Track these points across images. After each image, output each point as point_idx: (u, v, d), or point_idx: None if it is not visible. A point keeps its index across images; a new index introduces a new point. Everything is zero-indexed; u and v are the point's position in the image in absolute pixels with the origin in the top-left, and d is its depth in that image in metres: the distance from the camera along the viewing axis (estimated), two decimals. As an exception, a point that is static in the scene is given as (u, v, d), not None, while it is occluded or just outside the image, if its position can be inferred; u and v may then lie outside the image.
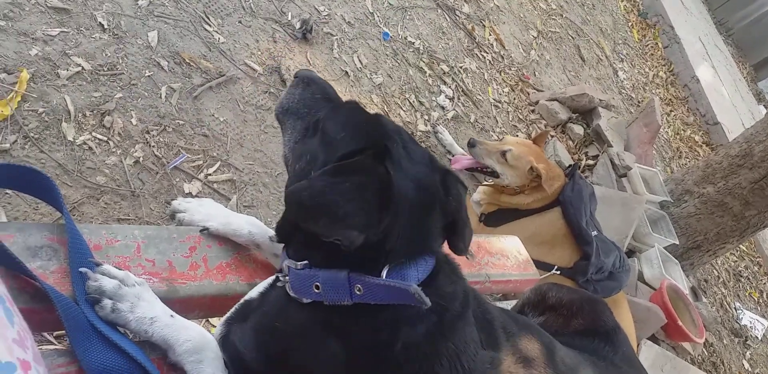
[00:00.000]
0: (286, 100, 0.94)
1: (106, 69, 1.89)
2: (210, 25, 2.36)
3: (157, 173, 1.79)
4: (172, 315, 0.84)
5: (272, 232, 1.05)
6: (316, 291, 0.77)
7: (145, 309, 0.82)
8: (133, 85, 1.93)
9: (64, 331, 0.78)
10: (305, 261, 0.80)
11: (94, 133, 1.71)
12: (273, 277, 0.89)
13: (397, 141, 0.81)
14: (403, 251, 0.78)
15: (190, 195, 1.79)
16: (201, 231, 1.03)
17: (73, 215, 1.52)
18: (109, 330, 0.80)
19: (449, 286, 0.84)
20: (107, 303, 0.80)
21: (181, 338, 0.82)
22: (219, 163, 1.99)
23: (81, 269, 0.82)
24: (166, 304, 0.86)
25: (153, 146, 1.82)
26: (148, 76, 1.99)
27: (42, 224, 0.87)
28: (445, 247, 0.92)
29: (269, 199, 2.06)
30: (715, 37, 7.96)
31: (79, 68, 1.82)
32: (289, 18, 2.71)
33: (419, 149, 0.85)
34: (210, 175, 1.93)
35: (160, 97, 1.97)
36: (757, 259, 4.98)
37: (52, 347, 1.42)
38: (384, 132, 0.82)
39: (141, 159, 1.77)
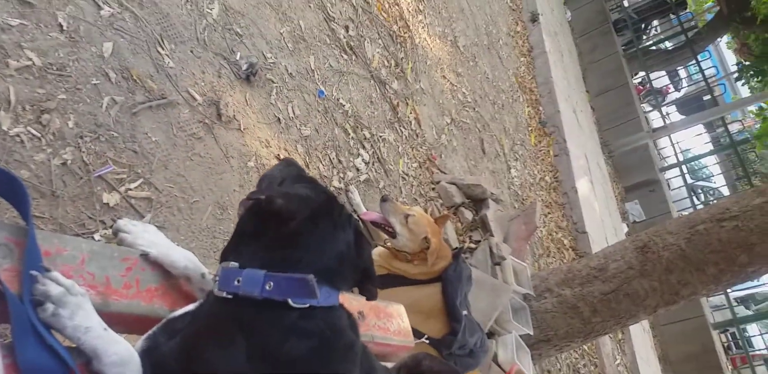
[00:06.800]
0: (268, 172, 1.21)
1: (55, 68, 1.90)
2: (163, 49, 2.42)
3: (81, 178, 1.80)
4: (105, 328, 0.92)
5: (205, 270, 1.16)
6: (236, 283, 0.96)
7: (82, 318, 0.89)
8: (78, 89, 1.95)
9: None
10: (237, 264, 0.99)
11: (29, 128, 1.71)
12: (198, 301, 1.04)
13: (342, 206, 1.14)
14: (314, 272, 0.99)
15: (107, 205, 1.81)
16: (141, 255, 1.10)
17: None
18: (45, 332, 0.86)
19: (342, 325, 1.04)
20: (50, 306, 0.87)
21: (110, 350, 0.89)
22: (141, 180, 2.02)
23: (32, 272, 0.88)
24: (95, 316, 0.93)
25: (83, 152, 1.83)
26: (95, 84, 2.02)
27: (4, 224, 0.92)
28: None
29: (180, 224, 2.10)
30: (598, 156, 9.01)
31: (30, 62, 1.82)
32: (237, 58, 2.83)
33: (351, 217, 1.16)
34: (131, 189, 1.95)
35: (101, 107, 2.00)
36: (595, 360, 5.51)
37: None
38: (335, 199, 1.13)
39: (69, 162, 1.78)
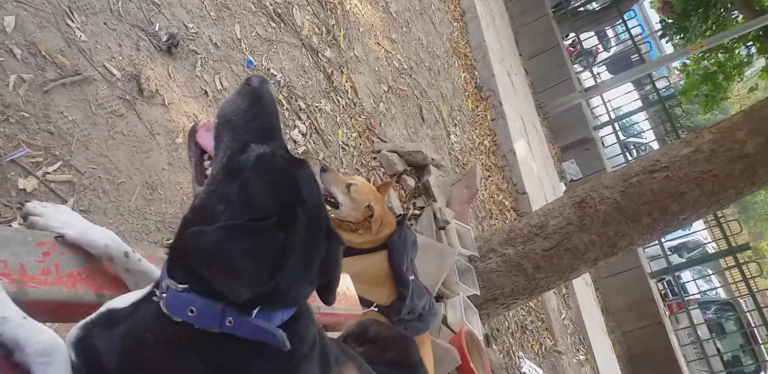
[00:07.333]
0: (229, 108, 0.97)
1: (-51, 46, 1.75)
2: (73, 21, 2.26)
3: (-9, 164, 1.67)
4: (24, 317, 0.85)
5: (128, 248, 1.09)
6: (190, 314, 0.85)
7: (-5, 308, 0.82)
8: (-21, 68, 1.80)
9: None
10: (186, 285, 0.87)
11: (-75, 113, 1.57)
12: (144, 291, 0.94)
13: (306, 206, 0.92)
14: (279, 303, 0.91)
15: (24, 191, 1.69)
16: (56, 237, 1.03)
17: None
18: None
19: (304, 330, 0.98)
20: (-44, 299, 0.79)
21: (32, 339, 0.83)
22: (60, 162, 1.90)
23: (-69, 262, 0.81)
24: (12, 306, 0.86)
25: (-10, 136, 1.70)
26: (-3, 61, 1.87)
27: None
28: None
29: (107, 207, 1.99)
30: (534, 118, 9.19)
31: None
32: (157, 29, 2.68)
33: (322, 212, 0.99)
34: (49, 173, 1.83)
35: (8, 86, 1.85)
36: (542, 316, 5.72)
37: None
38: (298, 196, 0.92)
39: (-25, 147, 1.65)
